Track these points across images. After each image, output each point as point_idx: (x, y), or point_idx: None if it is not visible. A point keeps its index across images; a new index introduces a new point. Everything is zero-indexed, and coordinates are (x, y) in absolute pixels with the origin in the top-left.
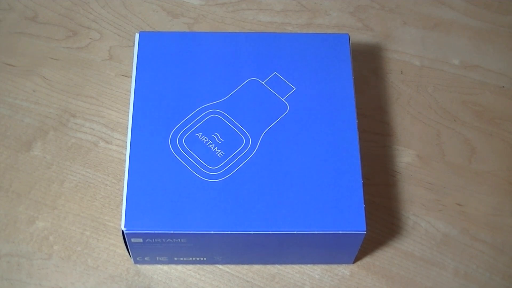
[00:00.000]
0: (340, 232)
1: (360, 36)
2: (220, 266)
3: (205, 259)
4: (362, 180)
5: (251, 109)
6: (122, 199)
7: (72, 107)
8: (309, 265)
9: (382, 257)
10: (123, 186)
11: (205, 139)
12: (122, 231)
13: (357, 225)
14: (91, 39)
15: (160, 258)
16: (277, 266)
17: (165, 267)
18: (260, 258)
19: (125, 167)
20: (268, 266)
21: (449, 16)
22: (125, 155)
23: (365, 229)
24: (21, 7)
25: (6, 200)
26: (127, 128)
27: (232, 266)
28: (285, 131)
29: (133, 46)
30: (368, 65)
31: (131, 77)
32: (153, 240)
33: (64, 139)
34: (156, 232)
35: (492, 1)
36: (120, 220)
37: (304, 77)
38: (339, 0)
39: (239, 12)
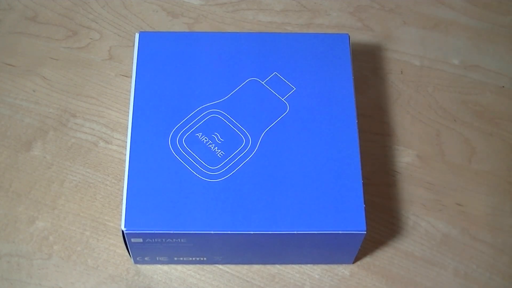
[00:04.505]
0: (340, 232)
1: (360, 36)
2: (220, 266)
3: (205, 259)
4: (362, 180)
5: (251, 109)
6: (122, 199)
7: (72, 107)
8: (309, 265)
9: (382, 257)
10: (123, 186)
11: (205, 139)
12: (122, 231)
13: (357, 225)
14: (91, 39)
15: (160, 258)
16: (277, 266)
17: (165, 267)
18: (260, 258)
19: (125, 167)
20: (268, 266)
21: (449, 16)
22: (125, 155)
23: (365, 229)
24: (21, 7)
25: (6, 200)
26: (127, 128)
27: (232, 266)
28: (285, 131)
29: (133, 46)
30: (368, 65)
31: (131, 77)
32: (153, 240)
33: (64, 139)
34: (156, 232)
35: (492, 1)
36: (120, 220)
37: (304, 77)
38: (339, 0)
39: (239, 12)
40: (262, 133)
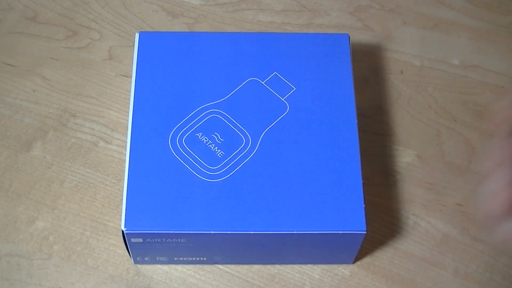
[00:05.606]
0: (340, 232)
1: (360, 36)
2: (220, 266)
3: (205, 259)
4: (362, 180)
5: (251, 109)
6: (122, 199)
7: (72, 107)
8: (309, 265)
9: (382, 257)
10: (123, 186)
11: (205, 139)
12: (122, 231)
13: (357, 225)
14: (91, 39)
15: (160, 258)
16: (277, 266)
17: (165, 267)
18: (260, 258)
19: (125, 167)
20: (268, 266)
21: (449, 16)
22: (125, 155)
23: (365, 229)
24: (21, 7)
25: (6, 200)
26: (127, 128)
27: (232, 266)
28: (285, 131)
29: (133, 46)
30: (368, 65)
31: (131, 77)
32: (153, 240)
33: (64, 139)
34: (156, 232)
35: (492, 1)
36: (120, 220)
37: (304, 77)
38: (339, 0)
39: (239, 12)
40: (262, 133)
